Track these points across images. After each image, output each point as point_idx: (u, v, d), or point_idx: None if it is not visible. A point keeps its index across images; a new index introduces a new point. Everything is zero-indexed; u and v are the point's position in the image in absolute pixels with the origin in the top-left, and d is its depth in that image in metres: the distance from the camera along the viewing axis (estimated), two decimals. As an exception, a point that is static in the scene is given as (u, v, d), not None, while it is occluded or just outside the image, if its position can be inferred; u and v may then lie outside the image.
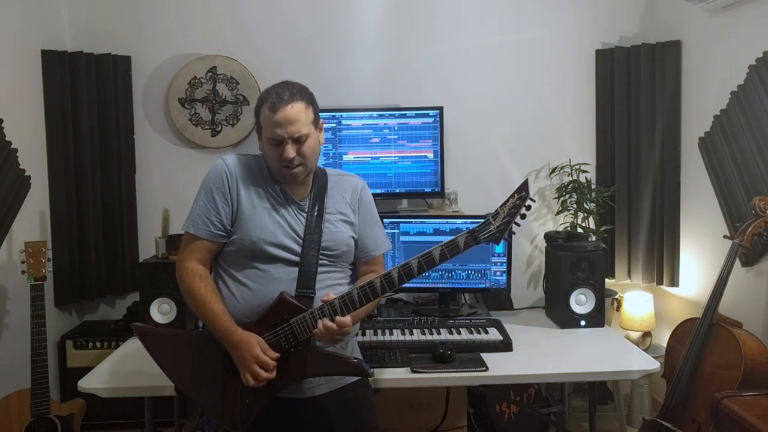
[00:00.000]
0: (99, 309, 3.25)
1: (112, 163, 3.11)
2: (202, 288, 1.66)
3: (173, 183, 3.21)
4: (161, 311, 2.49)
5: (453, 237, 1.55)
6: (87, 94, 3.03)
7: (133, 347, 2.40)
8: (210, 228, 1.68)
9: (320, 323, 1.55)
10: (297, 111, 1.62)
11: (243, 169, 1.72)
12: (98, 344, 2.93)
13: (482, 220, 1.55)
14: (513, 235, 1.62)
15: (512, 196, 1.54)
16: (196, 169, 3.19)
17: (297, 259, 1.65)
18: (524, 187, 1.53)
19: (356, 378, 1.74)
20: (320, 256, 1.67)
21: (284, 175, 1.68)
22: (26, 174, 2.78)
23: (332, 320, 1.55)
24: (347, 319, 1.56)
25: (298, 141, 1.64)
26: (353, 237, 1.77)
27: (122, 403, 2.50)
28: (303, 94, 1.67)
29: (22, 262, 2.46)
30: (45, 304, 2.46)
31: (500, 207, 1.54)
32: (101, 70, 3.07)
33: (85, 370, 2.15)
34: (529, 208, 1.54)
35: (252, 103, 3.15)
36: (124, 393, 2.09)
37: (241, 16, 3.20)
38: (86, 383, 2.03)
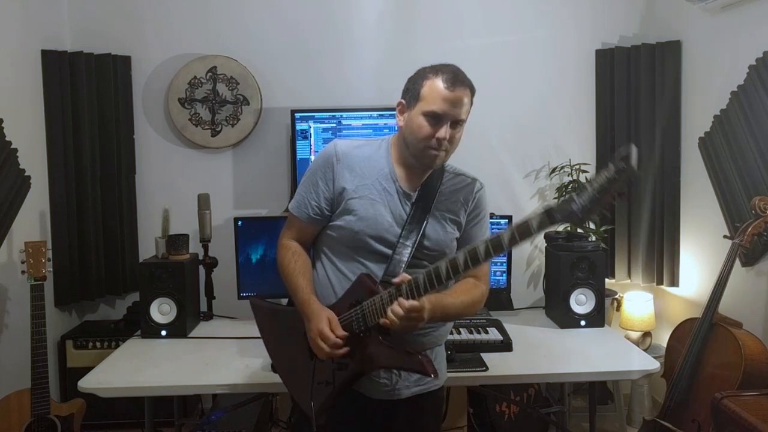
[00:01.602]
0: (99, 309, 3.25)
1: (112, 163, 3.11)
2: (292, 263, 1.67)
3: (173, 183, 3.21)
4: (161, 311, 2.50)
5: (525, 218, 1.32)
6: (87, 94, 3.03)
7: (133, 347, 2.41)
8: (308, 211, 1.67)
9: (389, 309, 1.46)
10: (467, 98, 1.61)
11: (353, 154, 1.66)
12: (98, 344, 2.93)
13: (564, 197, 1.29)
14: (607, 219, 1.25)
15: (607, 167, 1.20)
16: (196, 169, 3.23)
17: (390, 252, 1.61)
18: (626, 158, 1.18)
19: (434, 386, 1.72)
20: (416, 251, 1.61)
21: (425, 155, 1.58)
22: (26, 174, 2.78)
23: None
24: (415, 303, 1.44)
25: (455, 126, 1.58)
26: (456, 240, 1.70)
27: (122, 403, 2.51)
28: (472, 87, 1.65)
29: (22, 262, 2.46)
30: (45, 304, 2.46)
31: (590, 180, 1.25)
32: (101, 70, 3.07)
33: (85, 370, 2.15)
34: (631, 185, 1.24)
35: (252, 103, 3.15)
36: (124, 393, 2.09)
37: (241, 16, 3.20)
38: (86, 383, 2.03)
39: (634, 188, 1.17)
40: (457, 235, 1.69)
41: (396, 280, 1.50)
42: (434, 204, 1.65)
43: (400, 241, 1.60)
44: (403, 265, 1.59)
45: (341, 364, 1.58)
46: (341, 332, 1.53)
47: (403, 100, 1.64)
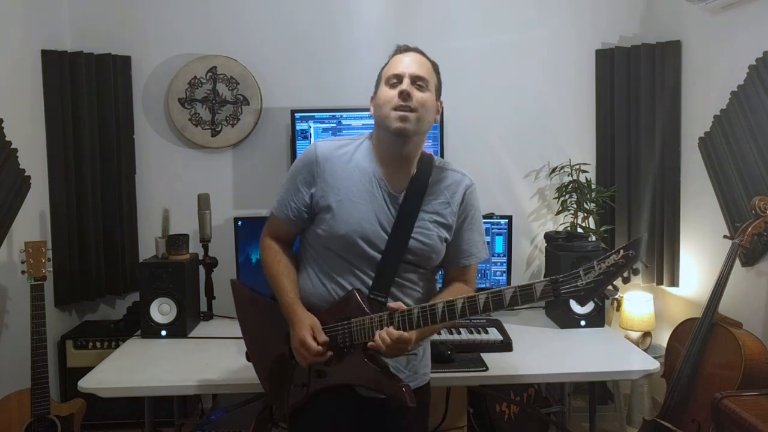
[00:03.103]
0: (99, 309, 3.25)
1: (112, 163, 3.11)
2: (275, 263, 1.67)
3: (173, 183, 3.21)
4: (161, 311, 2.50)
5: (530, 282, 1.37)
6: (87, 94, 3.03)
7: (133, 347, 2.41)
8: (288, 213, 1.66)
9: (377, 333, 1.48)
10: (422, 60, 1.62)
11: (335, 156, 1.63)
12: (98, 344, 2.93)
13: (572, 272, 1.33)
14: (606, 299, 1.39)
15: (617, 251, 1.28)
16: (196, 169, 3.23)
17: (379, 257, 1.58)
18: (636, 246, 1.26)
19: (422, 382, 1.72)
20: (403, 260, 1.59)
21: (393, 118, 1.54)
22: (26, 174, 2.78)
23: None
24: (406, 334, 1.47)
25: (418, 85, 1.57)
26: (446, 241, 1.66)
27: (122, 403, 2.51)
28: (432, 60, 1.68)
29: (22, 262, 2.46)
30: (45, 304, 2.46)
31: (598, 261, 1.29)
32: (101, 70, 3.07)
33: (85, 370, 2.15)
34: (637, 272, 1.27)
35: (252, 103, 3.16)
36: (124, 393, 2.09)
37: (241, 16, 3.20)
38: (86, 383, 2.03)
39: (638, 273, 1.25)
40: (447, 236, 1.65)
41: (391, 305, 1.51)
42: (422, 206, 1.62)
43: (387, 251, 1.59)
44: (391, 280, 1.59)
45: (321, 372, 1.59)
46: (323, 338, 1.54)
47: (373, 94, 1.68)
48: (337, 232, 1.58)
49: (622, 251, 1.27)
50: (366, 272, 1.59)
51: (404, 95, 1.55)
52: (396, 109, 1.55)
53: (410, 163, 1.64)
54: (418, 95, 1.57)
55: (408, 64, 1.59)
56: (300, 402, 1.63)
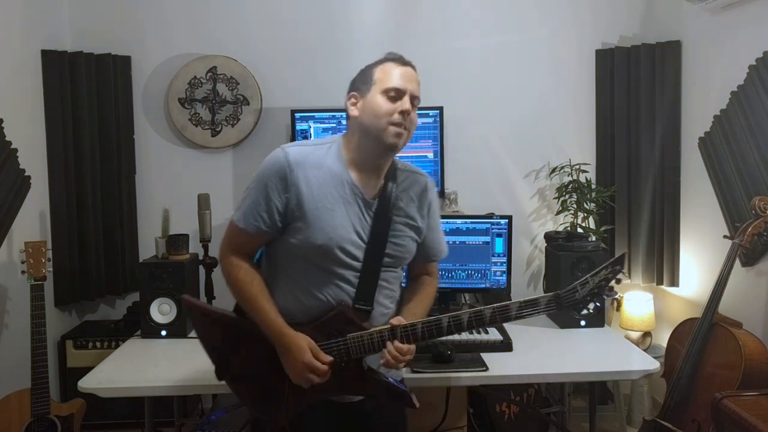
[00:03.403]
0: (99, 309, 3.25)
1: (112, 163, 3.11)
2: (249, 284, 1.57)
3: (173, 183, 3.21)
4: (161, 311, 2.50)
5: (534, 296, 1.50)
6: (87, 94, 3.03)
7: (133, 347, 2.41)
8: (258, 224, 1.55)
9: (389, 345, 1.51)
10: (416, 77, 1.60)
11: (306, 162, 1.55)
12: (98, 344, 2.93)
13: (570, 287, 1.49)
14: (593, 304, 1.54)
15: (605, 267, 1.47)
16: (196, 169, 3.23)
17: (359, 265, 1.56)
18: (620, 261, 1.48)
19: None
20: (382, 266, 1.59)
21: (389, 133, 1.53)
22: (26, 174, 2.78)
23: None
24: (413, 346, 1.53)
25: (412, 104, 1.57)
26: (417, 242, 1.68)
27: (122, 403, 2.51)
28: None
29: (22, 262, 2.46)
30: (45, 304, 2.46)
31: (591, 276, 1.48)
32: (101, 70, 3.07)
33: (85, 370, 2.15)
34: (619, 281, 1.48)
35: (252, 103, 3.15)
36: (124, 393, 2.09)
37: (241, 16, 3.20)
38: (86, 383, 2.03)
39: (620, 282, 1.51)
40: (418, 238, 1.68)
41: (392, 321, 1.54)
42: (394, 212, 1.62)
43: (367, 259, 1.57)
44: (375, 288, 1.58)
45: (319, 387, 1.55)
46: (327, 358, 1.52)
47: (353, 92, 1.61)
48: (314, 241, 1.52)
49: (610, 267, 1.47)
50: (346, 282, 1.56)
51: (405, 114, 1.55)
52: (394, 124, 1.54)
53: (383, 170, 1.63)
54: (413, 115, 1.58)
55: (409, 80, 1.57)
56: (294, 413, 1.60)
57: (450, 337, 2.28)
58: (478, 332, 2.36)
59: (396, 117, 1.54)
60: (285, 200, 1.54)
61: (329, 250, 1.53)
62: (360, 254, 1.56)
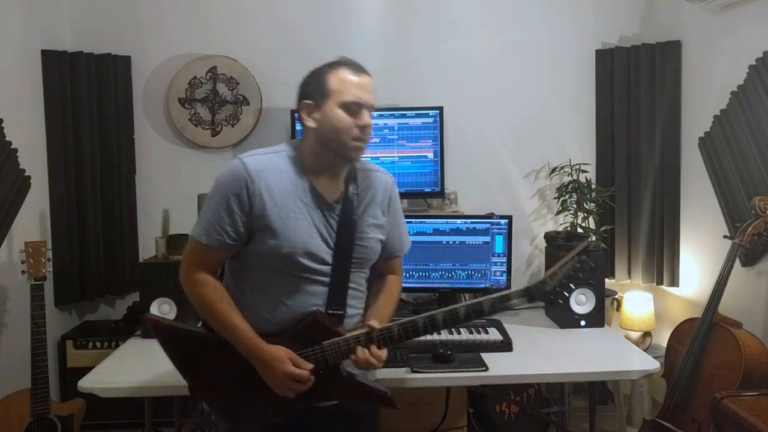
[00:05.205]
0: (99, 309, 3.26)
1: (112, 163, 3.11)
2: (218, 301, 1.54)
3: (173, 183, 3.21)
4: (161, 311, 2.49)
5: (506, 291, 1.52)
6: (87, 94, 3.03)
7: (133, 347, 2.40)
8: (224, 238, 1.52)
9: (360, 350, 1.50)
10: (371, 83, 1.58)
11: (266, 171, 1.52)
12: (98, 344, 2.93)
13: (538, 280, 1.50)
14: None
15: (572, 257, 1.47)
16: (196, 169, 3.23)
17: (328, 270, 1.55)
18: (585, 250, 1.49)
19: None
20: (351, 269, 1.59)
21: (350, 147, 1.53)
22: (26, 174, 2.79)
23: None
24: (385, 351, 1.53)
25: (370, 114, 1.56)
26: (381, 241, 1.68)
27: (122, 403, 2.49)
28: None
29: (22, 262, 2.46)
30: (45, 304, 2.46)
31: (558, 267, 1.48)
32: (101, 70, 3.07)
33: (85, 370, 2.14)
34: (591, 271, 1.49)
35: (252, 103, 3.16)
36: (124, 393, 2.08)
37: (241, 16, 3.20)
38: (86, 383, 2.03)
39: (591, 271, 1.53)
40: (382, 237, 1.67)
41: (369, 324, 1.53)
42: (357, 212, 1.61)
43: (335, 263, 1.56)
44: (346, 291, 1.58)
45: (303, 395, 1.54)
46: (308, 365, 1.51)
47: (308, 101, 1.56)
48: (280, 250, 1.50)
49: (576, 256, 1.48)
50: (316, 288, 1.55)
51: (366, 129, 1.54)
52: (355, 138, 1.53)
53: (343, 174, 1.62)
54: (371, 125, 1.57)
55: (367, 91, 1.55)
56: (275, 424, 1.59)
57: (450, 337, 2.29)
58: (478, 332, 2.36)
59: (356, 132, 1.53)
60: (248, 212, 1.50)
61: (296, 257, 1.51)
62: (328, 259, 1.56)
